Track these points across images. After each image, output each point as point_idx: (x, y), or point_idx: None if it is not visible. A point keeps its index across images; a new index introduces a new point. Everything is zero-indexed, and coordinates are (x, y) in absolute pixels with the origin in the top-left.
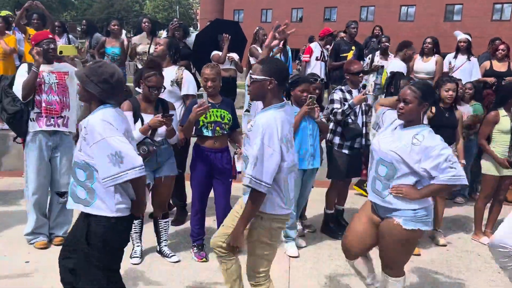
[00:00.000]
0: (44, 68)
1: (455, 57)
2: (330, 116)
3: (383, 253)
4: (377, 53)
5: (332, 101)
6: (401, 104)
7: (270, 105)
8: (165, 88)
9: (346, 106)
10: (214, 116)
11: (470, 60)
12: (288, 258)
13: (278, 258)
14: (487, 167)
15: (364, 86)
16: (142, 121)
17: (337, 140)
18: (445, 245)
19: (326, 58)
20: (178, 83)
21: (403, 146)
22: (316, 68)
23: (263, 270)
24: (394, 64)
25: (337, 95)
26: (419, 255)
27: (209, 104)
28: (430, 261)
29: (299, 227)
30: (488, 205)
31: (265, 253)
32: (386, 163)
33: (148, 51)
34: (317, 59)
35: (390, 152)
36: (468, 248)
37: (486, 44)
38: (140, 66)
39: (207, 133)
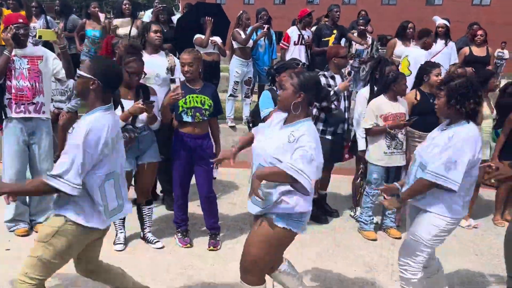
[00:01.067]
0: (16, 52)
1: (435, 41)
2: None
3: (243, 255)
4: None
5: None
6: (279, 91)
7: (94, 107)
8: (145, 74)
9: (332, 92)
10: (194, 101)
11: (447, 45)
12: None
13: None
14: None
15: (350, 73)
16: (122, 107)
17: (320, 126)
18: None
19: (304, 42)
20: (172, 70)
21: (279, 145)
22: (295, 53)
23: (37, 275)
24: (416, 52)
25: (322, 81)
26: (399, 238)
27: (183, 91)
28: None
29: None
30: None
31: (45, 257)
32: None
33: (129, 34)
34: (295, 43)
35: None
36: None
37: (466, 29)
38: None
39: (187, 118)
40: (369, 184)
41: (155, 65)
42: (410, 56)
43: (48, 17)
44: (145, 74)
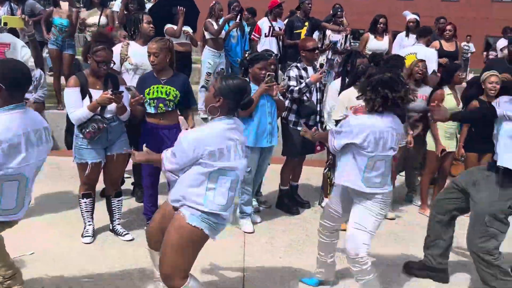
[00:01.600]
0: None
1: (407, 35)
2: (287, 93)
3: (162, 256)
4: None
5: (288, 78)
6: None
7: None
8: (114, 63)
9: (303, 84)
10: (157, 92)
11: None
12: (244, 233)
13: (233, 234)
14: (431, 144)
15: (322, 65)
16: (91, 97)
17: (292, 117)
18: (393, 219)
19: (273, 33)
20: None
21: None
22: (266, 44)
23: None
24: (425, 51)
25: (293, 72)
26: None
27: (142, 96)
28: (378, 234)
29: (255, 203)
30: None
31: None
32: None
33: (98, 23)
34: (265, 35)
35: None
36: (414, 221)
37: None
38: (89, 39)
39: (149, 109)
40: None
41: None
42: (419, 54)
43: (13, 4)
44: (114, 63)
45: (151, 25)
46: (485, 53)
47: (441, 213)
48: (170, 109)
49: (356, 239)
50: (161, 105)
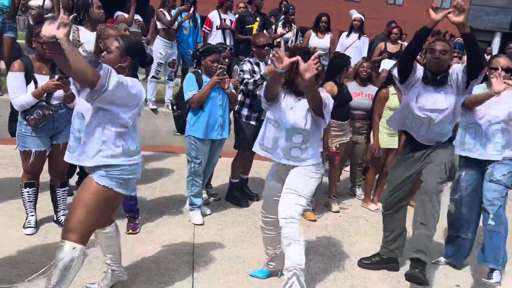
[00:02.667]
0: None
1: (348, 35)
2: (241, 86)
3: (69, 214)
4: (280, 24)
5: (242, 72)
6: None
7: None
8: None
9: (258, 76)
10: None
11: (360, 39)
12: (193, 225)
13: (183, 226)
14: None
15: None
16: (36, 82)
17: (245, 111)
18: (338, 212)
19: (220, 26)
20: None
21: None
22: (218, 37)
23: None
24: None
25: (247, 66)
26: (315, 220)
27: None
28: (324, 226)
29: (205, 195)
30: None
31: None
32: None
33: (42, 6)
34: (217, 28)
35: None
36: (358, 214)
37: (381, 26)
38: (32, 22)
39: None
40: None
41: None
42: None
43: None
44: (80, 42)
45: (102, 11)
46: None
47: (389, 209)
48: None
49: (289, 200)
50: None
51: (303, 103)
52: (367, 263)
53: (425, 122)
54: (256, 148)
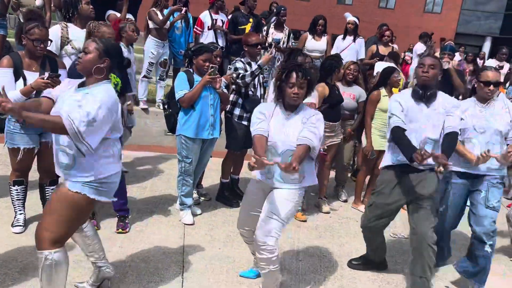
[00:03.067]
0: None
1: (344, 38)
2: (238, 80)
3: (43, 222)
4: (272, 26)
5: (236, 69)
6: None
7: None
8: (51, 41)
9: (255, 66)
10: None
11: (354, 42)
12: (183, 225)
13: (173, 225)
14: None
15: (271, 45)
16: (25, 79)
17: (237, 111)
18: (328, 212)
19: (214, 27)
20: None
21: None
22: (210, 38)
23: None
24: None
25: (239, 64)
26: (305, 221)
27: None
28: (314, 226)
29: (195, 195)
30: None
31: None
32: None
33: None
34: (208, 28)
35: None
36: (348, 215)
37: (372, 29)
38: (22, 20)
39: None
40: None
41: None
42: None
43: None
44: (51, 41)
45: (91, 6)
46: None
47: (368, 232)
48: None
49: (267, 226)
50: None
51: (296, 121)
52: (357, 263)
53: (412, 138)
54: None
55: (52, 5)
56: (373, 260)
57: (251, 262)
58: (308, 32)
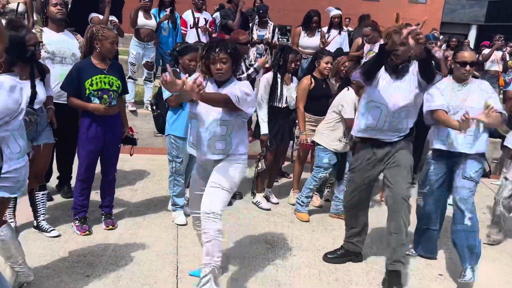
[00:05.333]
0: None
1: (328, 31)
2: None
3: None
4: (256, 22)
5: None
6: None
7: None
8: (43, 43)
9: (252, 70)
10: (101, 83)
11: (340, 34)
12: (176, 226)
13: (165, 226)
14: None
15: (266, 50)
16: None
17: None
18: (321, 206)
19: (198, 24)
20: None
21: None
22: (192, 36)
23: None
24: None
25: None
26: (307, 221)
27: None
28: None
29: (187, 195)
30: None
31: None
32: None
33: (16, 10)
34: (190, 27)
35: None
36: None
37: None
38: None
39: (94, 101)
40: (318, 168)
41: (69, 44)
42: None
43: None
44: (43, 43)
45: (58, 7)
46: None
47: (350, 209)
48: (114, 101)
49: (211, 196)
50: (105, 96)
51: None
52: (332, 257)
53: (384, 111)
54: (188, 148)
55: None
56: (348, 249)
57: (244, 257)
58: (301, 28)
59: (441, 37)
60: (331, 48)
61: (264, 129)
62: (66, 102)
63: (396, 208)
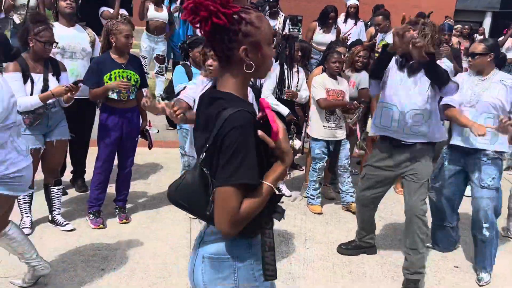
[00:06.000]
0: None
1: (345, 22)
2: None
3: None
4: (267, 13)
5: None
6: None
7: None
8: (56, 43)
9: None
10: (119, 77)
11: (356, 25)
12: (190, 219)
13: (179, 220)
14: None
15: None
16: (33, 82)
17: None
18: (334, 198)
19: None
20: (93, 44)
21: None
22: None
23: None
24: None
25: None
26: (321, 213)
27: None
28: (320, 213)
29: None
30: None
31: None
32: None
33: (27, 5)
34: None
35: None
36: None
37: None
38: (18, 21)
39: (112, 95)
40: (313, 160)
41: (79, 38)
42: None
43: None
44: (57, 43)
45: (68, 1)
46: None
47: (364, 206)
48: (132, 95)
49: None
50: (123, 90)
51: None
52: (346, 248)
53: (395, 111)
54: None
55: (44, 4)
56: (361, 244)
57: None
58: (316, 23)
59: (457, 26)
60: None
61: (283, 110)
62: (79, 97)
63: (411, 226)
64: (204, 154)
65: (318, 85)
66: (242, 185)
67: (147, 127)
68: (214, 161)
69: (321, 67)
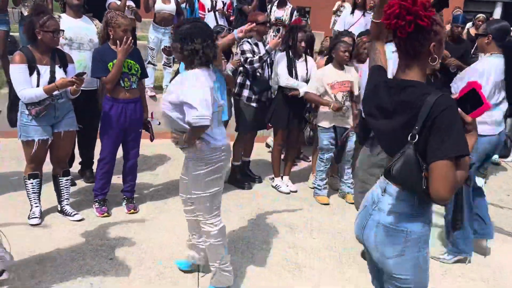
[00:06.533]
0: None
1: (352, 13)
2: (246, 65)
3: None
4: (275, 4)
5: (243, 52)
6: None
7: None
8: (63, 30)
9: (264, 52)
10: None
11: (365, 16)
12: None
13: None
14: None
15: (279, 30)
16: (39, 74)
17: (246, 93)
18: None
19: (216, 7)
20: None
21: None
22: (211, 19)
23: None
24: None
25: (247, 46)
26: (328, 204)
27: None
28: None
29: None
30: None
31: None
32: None
33: None
34: (208, 10)
35: None
36: None
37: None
38: (26, 13)
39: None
40: (321, 150)
41: (86, 30)
42: None
43: None
44: (63, 31)
45: None
46: None
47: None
48: (134, 84)
49: (197, 205)
50: (125, 79)
51: None
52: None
53: None
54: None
55: None
56: None
57: (265, 241)
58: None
59: (478, 15)
60: (354, 31)
61: (302, 87)
62: (86, 89)
63: None
64: (417, 136)
65: (314, 78)
66: (457, 157)
67: (149, 119)
68: (421, 140)
69: (325, 58)
